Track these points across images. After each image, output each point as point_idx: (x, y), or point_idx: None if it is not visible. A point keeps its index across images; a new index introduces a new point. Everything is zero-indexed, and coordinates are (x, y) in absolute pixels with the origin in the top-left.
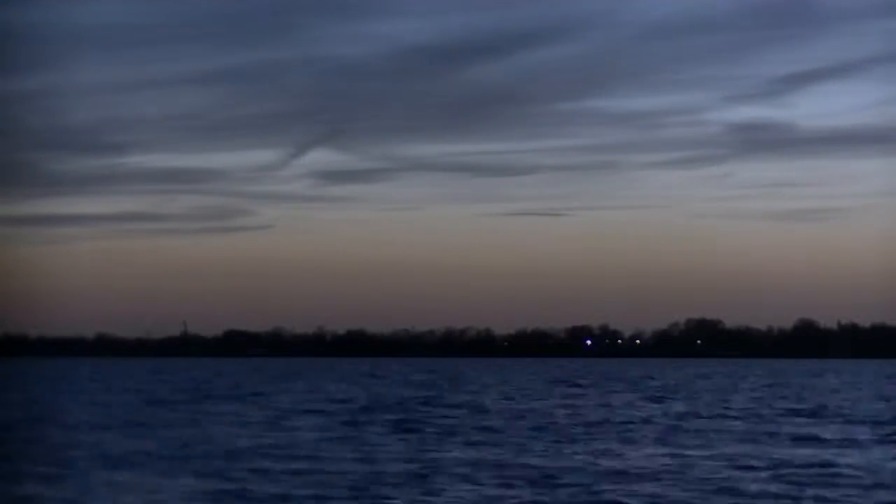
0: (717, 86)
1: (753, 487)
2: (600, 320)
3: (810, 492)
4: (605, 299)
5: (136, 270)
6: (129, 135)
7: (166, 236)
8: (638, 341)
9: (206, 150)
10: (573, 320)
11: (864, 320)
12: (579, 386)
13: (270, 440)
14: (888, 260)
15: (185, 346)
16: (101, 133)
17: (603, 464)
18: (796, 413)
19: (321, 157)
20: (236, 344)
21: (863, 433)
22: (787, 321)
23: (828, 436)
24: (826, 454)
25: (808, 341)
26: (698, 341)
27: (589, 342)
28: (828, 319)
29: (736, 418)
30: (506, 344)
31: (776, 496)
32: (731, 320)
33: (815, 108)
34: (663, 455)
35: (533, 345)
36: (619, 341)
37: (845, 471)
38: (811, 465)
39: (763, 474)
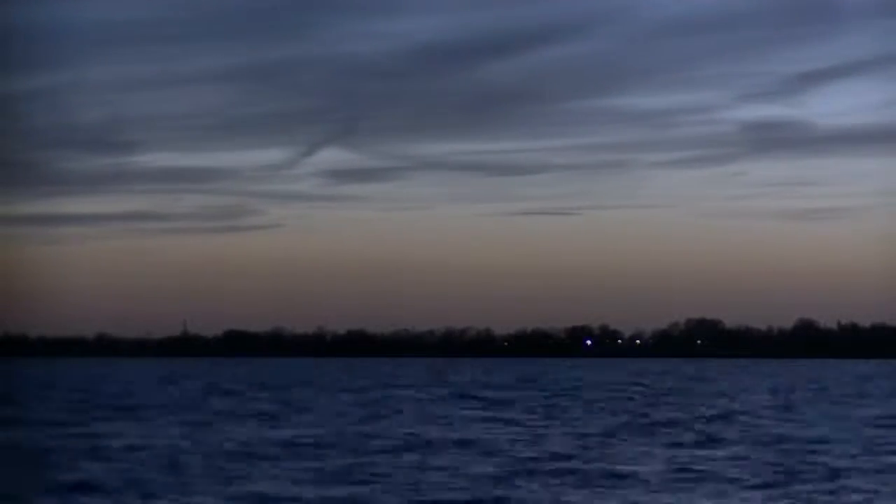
0: (731, 84)
1: None
2: (600, 320)
3: None
4: (605, 299)
5: (136, 270)
6: (138, 133)
7: (173, 236)
8: (638, 341)
9: (215, 149)
10: (573, 320)
11: (864, 320)
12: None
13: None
14: (889, 260)
15: (186, 346)
16: (110, 132)
17: None
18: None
19: (331, 155)
20: (236, 344)
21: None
22: (787, 321)
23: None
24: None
25: (808, 341)
26: (698, 341)
27: (589, 342)
28: (828, 319)
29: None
30: (506, 344)
31: None
32: (731, 320)
33: (829, 106)
34: None
35: (533, 345)
36: (619, 341)
37: None
38: None
39: None
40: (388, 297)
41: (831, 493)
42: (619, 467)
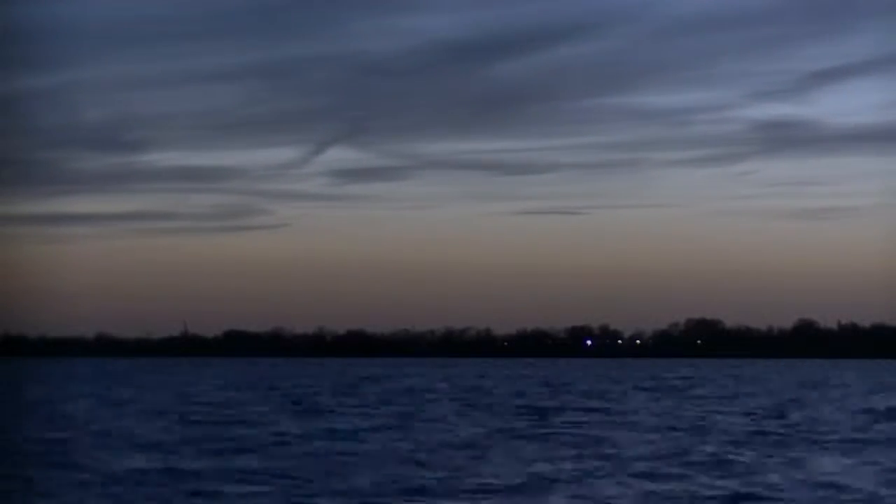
0: (744, 82)
1: None
2: (600, 320)
3: None
4: (605, 299)
5: (137, 270)
6: (145, 132)
7: (178, 236)
8: (638, 341)
9: (224, 148)
10: (573, 320)
11: (864, 320)
12: None
13: None
14: (889, 259)
15: (186, 346)
16: (118, 130)
17: None
18: None
19: (340, 154)
20: (236, 344)
21: None
22: (787, 321)
23: None
24: None
25: (808, 341)
26: (698, 341)
27: (589, 342)
28: (828, 319)
29: None
30: (506, 344)
31: None
32: (731, 320)
33: (841, 105)
34: None
35: (533, 345)
36: (619, 341)
37: None
38: None
39: None
40: (388, 297)
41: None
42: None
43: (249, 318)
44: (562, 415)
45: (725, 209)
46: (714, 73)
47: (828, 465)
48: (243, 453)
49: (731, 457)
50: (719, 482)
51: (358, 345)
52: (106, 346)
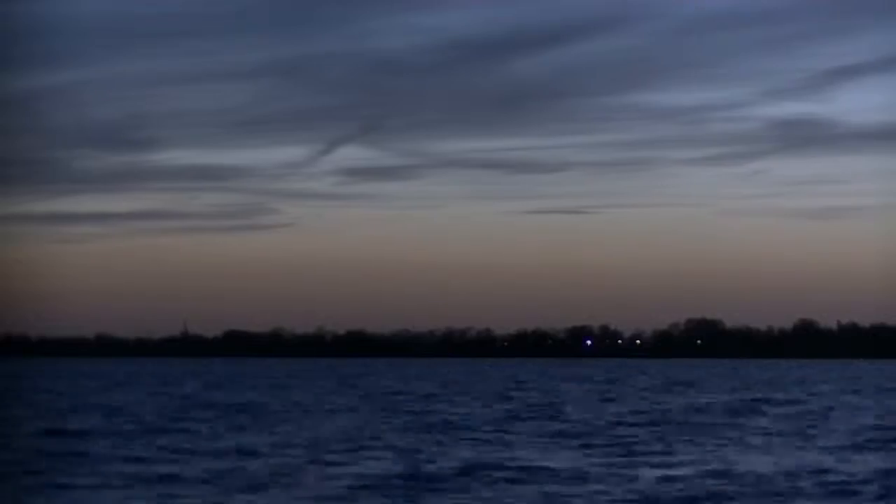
0: (759, 80)
1: None
2: (600, 320)
3: None
4: (605, 299)
5: (138, 270)
6: (156, 131)
7: (184, 235)
8: (638, 341)
9: (235, 147)
10: (573, 320)
11: (864, 320)
12: None
13: None
14: (889, 259)
15: (186, 346)
16: (129, 129)
17: None
18: None
19: (350, 153)
20: (236, 344)
21: None
22: (787, 321)
23: None
24: None
25: (808, 341)
26: (698, 341)
27: (589, 342)
28: (828, 319)
29: None
30: (506, 344)
31: None
32: (731, 320)
33: (856, 103)
34: None
35: (533, 345)
36: (619, 341)
37: None
38: None
39: None
40: (388, 297)
41: None
42: None
43: (249, 318)
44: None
45: (734, 209)
46: (730, 71)
47: None
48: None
49: None
50: None
51: (358, 345)
52: (106, 346)
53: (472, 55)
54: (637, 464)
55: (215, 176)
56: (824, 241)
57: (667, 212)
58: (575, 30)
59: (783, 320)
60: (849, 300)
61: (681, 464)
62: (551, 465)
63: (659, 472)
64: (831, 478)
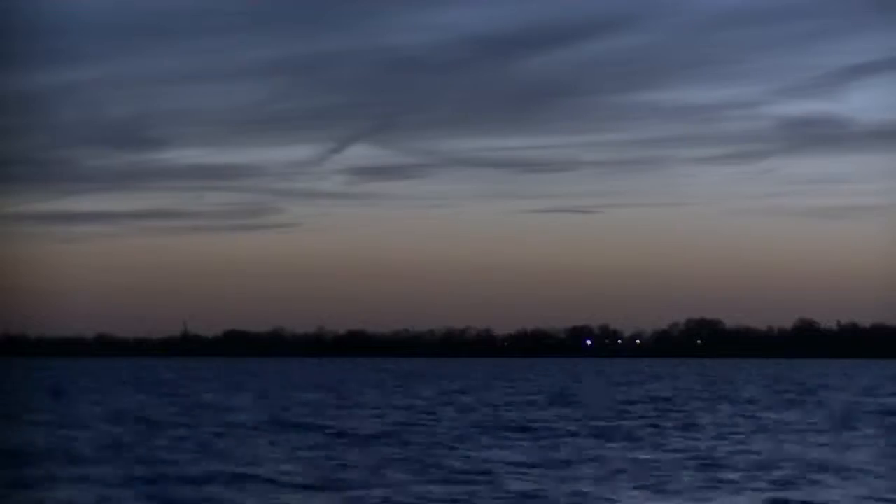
0: (772, 79)
1: None
2: (600, 320)
3: None
4: (605, 299)
5: (137, 270)
6: (167, 129)
7: (191, 234)
8: (638, 341)
9: (245, 146)
10: (573, 320)
11: (864, 320)
12: None
13: None
14: (890, 259)
15: (186, 346)
16: (138, 127)
17: None
18: None
19: (360, 152)
20: (236, 344)
21: None
22: (787, 321)
23: None
24: None
25: (808, 341)
26: (698, 341)
27: (589, 342)
28: (828, 319)
29: None
30: (506, 344)
31: None
32: (731, 320)
33: (870, 101)
34: None
35: (533, 345)
36: (619, 341)
37: None
38: None
39: None
40: (388, 297)
41: None
42: None
43: (249, 318)
44: None
45: (741, 208)
46: (742, 69)
47: None
48: None
49: None
50: None
51: (358, 345)
52: (106, 346)
53: (484, 53)
54: None
55: (223, 175)
56: (832, 241)
57: (674, 211)
58: (586, 28)
59: (783, 320)
60: (849, 300)
61: None
62: None
63: None
64: None
